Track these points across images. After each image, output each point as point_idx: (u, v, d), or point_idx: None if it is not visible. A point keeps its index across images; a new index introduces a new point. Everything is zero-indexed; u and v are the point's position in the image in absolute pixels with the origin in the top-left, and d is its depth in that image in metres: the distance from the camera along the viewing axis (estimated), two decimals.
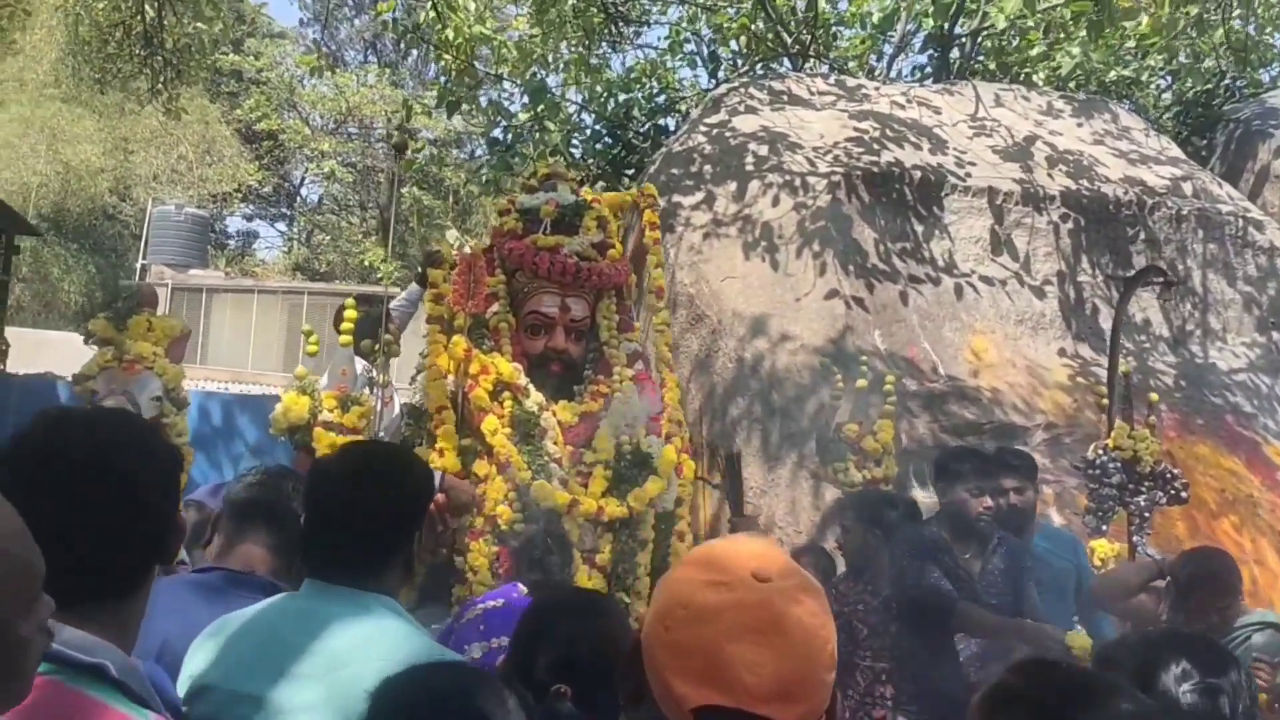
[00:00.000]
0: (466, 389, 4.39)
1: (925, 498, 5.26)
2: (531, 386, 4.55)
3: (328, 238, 26.59)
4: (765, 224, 6.15)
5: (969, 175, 6.57)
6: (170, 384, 3.96)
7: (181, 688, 1.84)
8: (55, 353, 10.54)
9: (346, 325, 4.31)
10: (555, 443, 4.41)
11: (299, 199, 29.02)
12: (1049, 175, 6.80)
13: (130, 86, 11.81)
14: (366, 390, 4.27)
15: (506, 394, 4.46)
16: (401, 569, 1.97)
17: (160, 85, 10.49)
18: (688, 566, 1.29)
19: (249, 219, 29.32)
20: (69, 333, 13.41)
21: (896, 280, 6.08)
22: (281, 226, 29.77)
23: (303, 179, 28.18)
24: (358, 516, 1.90)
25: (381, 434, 4.34)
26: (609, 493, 4.40)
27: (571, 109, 10.04)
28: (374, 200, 24.67)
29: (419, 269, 5.08)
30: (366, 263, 21.08)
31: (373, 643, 1.77)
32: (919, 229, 6.34)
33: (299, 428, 4.12)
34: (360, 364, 4.42)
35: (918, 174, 6.44)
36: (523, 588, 3.76)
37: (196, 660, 1.86)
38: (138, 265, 18.82)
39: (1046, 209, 6.59)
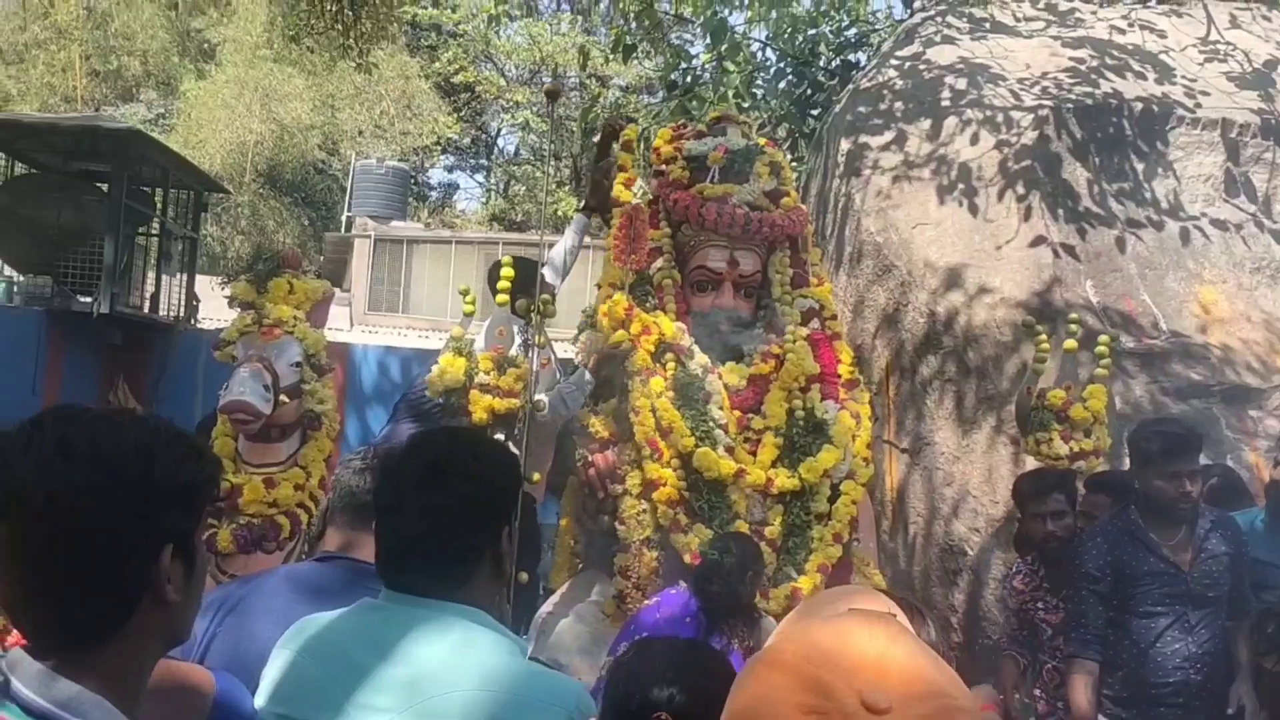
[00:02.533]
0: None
1: None
2: (696, 347, 4.27)
3: (524, 188, 26.93)
4: (962, 165, 5.65)
5: (1199, 106, 5.84)
6: (311, 349, 3.82)
7: (257, 700, 1.66)
8: None
9: (503, 284, 4.13)
10: (721, 408, 4.13)
11: (496, 150, 29.51)
12: None
13: (328, 43, 12.09)
14: (522, 351, 4.08)
15: (670, 355, 4.20)
16: (490, 572, 1.69)
17: (351, 41, 10.65)
18: (773, 668, 0.90)
19: (450, 170, 30.09)
20: None
21: (1113, 225, 5.47)
22: (480, 178, 30.42)
23: (499, 130, 28.61)
24: (431, 519, 1.63)
25: (540, 397, 4.14)
26: (779, 462, 4.12)
27: (755, 48, 9.57)
28: (568, 150, 24.78)
29: (584, 197, 4.77)
30: (560, 212, 21.23)
31: (454, 667, 1.54)
32: (1139, 167, 5.69)
33: (455, 390, 3.98)
34: (517, 324, 4.23)
35: (1139, 106, 5.77)
36: (683, 584, 3.55)
37: (269, 675, 1.67)
38: (343, 218, 19.52)
39: None
